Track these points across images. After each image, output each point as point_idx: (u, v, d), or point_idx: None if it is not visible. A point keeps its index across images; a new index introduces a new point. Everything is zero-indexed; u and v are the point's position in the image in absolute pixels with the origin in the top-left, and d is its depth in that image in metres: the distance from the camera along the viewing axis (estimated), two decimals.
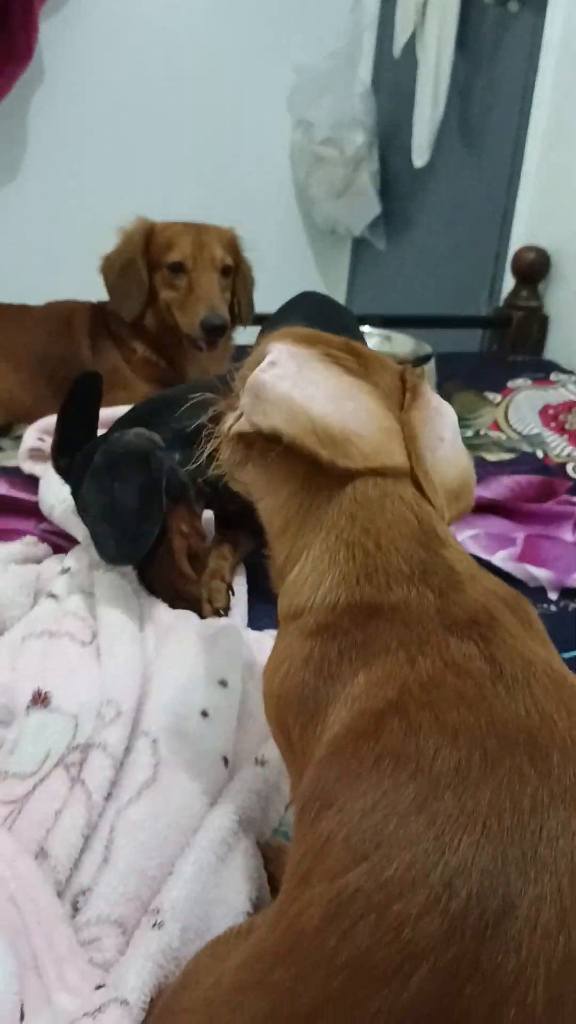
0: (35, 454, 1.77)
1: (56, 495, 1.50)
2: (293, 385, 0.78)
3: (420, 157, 2.95)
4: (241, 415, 0.80)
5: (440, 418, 0.85)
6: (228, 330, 1.94)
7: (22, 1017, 0.70)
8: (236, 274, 1.97)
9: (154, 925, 0.81)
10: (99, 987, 0.77)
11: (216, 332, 1.89)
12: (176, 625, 1.21)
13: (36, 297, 2.13)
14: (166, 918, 0.82)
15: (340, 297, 3.50)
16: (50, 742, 1.00)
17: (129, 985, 0.76)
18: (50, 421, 1.77)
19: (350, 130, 3.20)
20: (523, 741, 0.62)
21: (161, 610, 1.26)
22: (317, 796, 0.65)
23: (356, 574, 0.76)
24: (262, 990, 0.58)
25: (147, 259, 1.93)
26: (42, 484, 1.61)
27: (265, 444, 0.79)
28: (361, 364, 0.83)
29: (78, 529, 1.41)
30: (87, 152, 3.03)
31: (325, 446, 0.77)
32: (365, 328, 2.56)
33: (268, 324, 1.40)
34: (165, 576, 1.29)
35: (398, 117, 3.09)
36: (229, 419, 0.82)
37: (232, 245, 1.95)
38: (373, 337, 2.58)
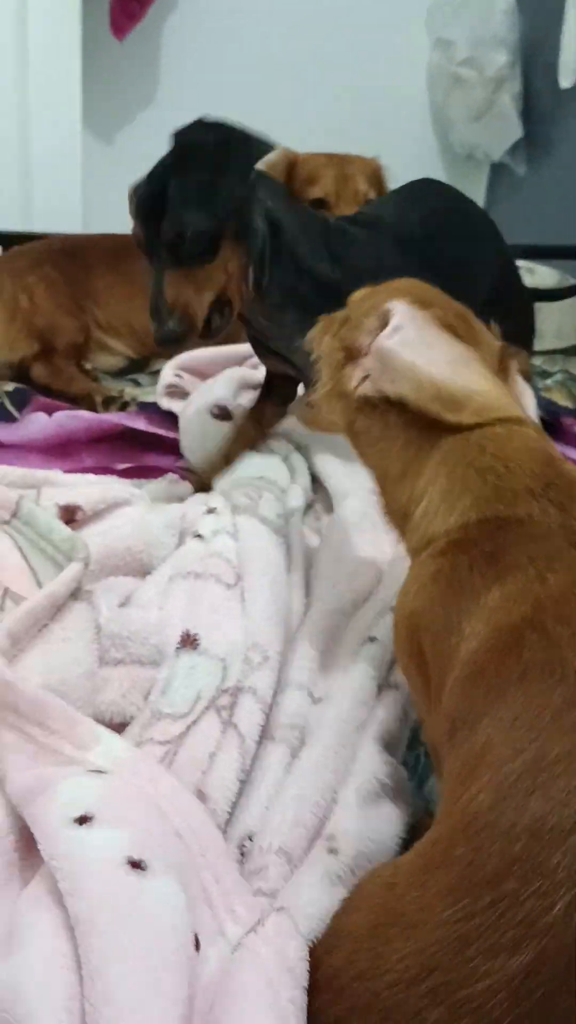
0: (173, 391, 1.77)
1: (195, 440, 1.51)
2: (416, 352, 0.85)
3: (567, 77, 2.80)
4: (365, 378, 0.88)
5: (526, 398, 0.93)
6: None
7: (197, 948, 0.71)
8: None
9: (329, 851, 0.84)
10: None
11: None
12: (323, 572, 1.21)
13: None
14: (340, 845, 0.84)
15: None
16: (200, 684, 1.01)
17: (303, 899, 0.78)
18: (188, 357, 1.77)
19: (491, 49, 3.06)
20: None
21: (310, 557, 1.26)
22: (468, 711, 0.72)
23: (487, 494, 0.83)
24: (445, 866, 0.64)
25: (289, 192, 1.88)
26: (182, 423, 1.62)
27: (387, 404, 0.87)
28: (469, 332, 0.90)
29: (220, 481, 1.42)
30: (223, 78, 2.98)
31: (449, 409, 0.84)
32: None
33: (381, 229, 1.35)
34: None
35: (543, 35, 2.93)
36: (353, 378, 0.89)
37: (376, 177, 1.89)
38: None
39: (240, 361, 1.79)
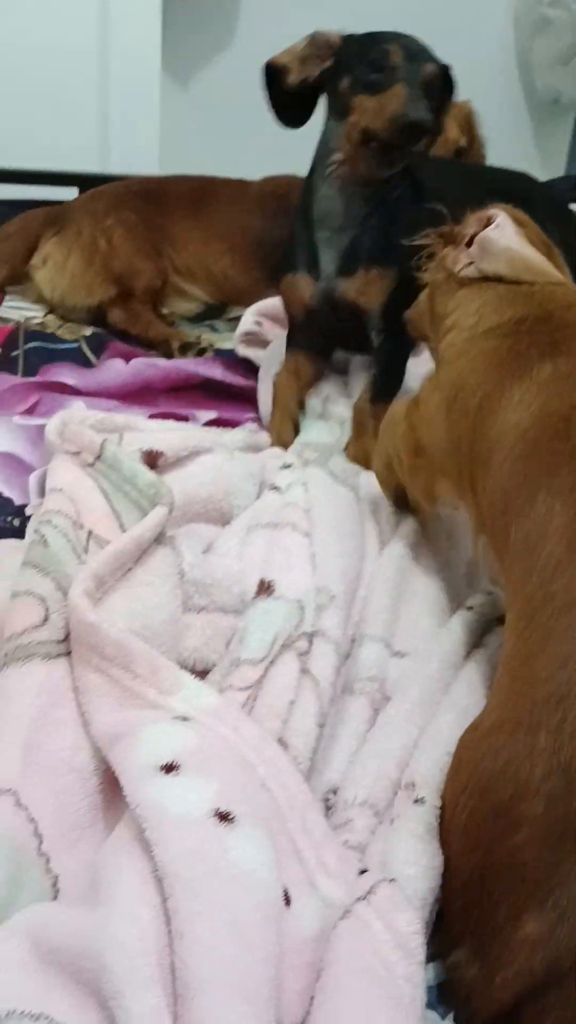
0: (250, 338, 1.74)
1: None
2: (512, 240, 1.06)
3: None
4: (469, 264, 1.08)
5: None
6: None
7: (288, 903, 0.70)
8: (468, 153, 1.85)
9: (415, 801, 0.82)
10: (363, 872, 0.77)
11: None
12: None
13: (253, 173, 2.08)
14: (425, 793, 0.82)
15: (558, 173, 3.28)
16: (276, 627, 0.99)
17: (400, 858, 0.77)
18: (268, 303, 1.74)
19: None
20: None
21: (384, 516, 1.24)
22: (522, 485, 0.87)
23: (545, 306, 1.01)
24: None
25: None
26: (261, 373, 1.59)
27: (481, 280, 1.08)
28: (549, 254, 1.10)
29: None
30: (301, 22, 2.90)
31: (537, 277, 1.05)
32: None
33: None
34: None
35: None
36: (459, 263, 1.09)
37: (467, 122, 1.83)
38: None
39: None
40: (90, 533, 1.02)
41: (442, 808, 0.79)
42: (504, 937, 0.68)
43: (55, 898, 0.77)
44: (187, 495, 1.15)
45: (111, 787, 0.83)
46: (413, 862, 0.77)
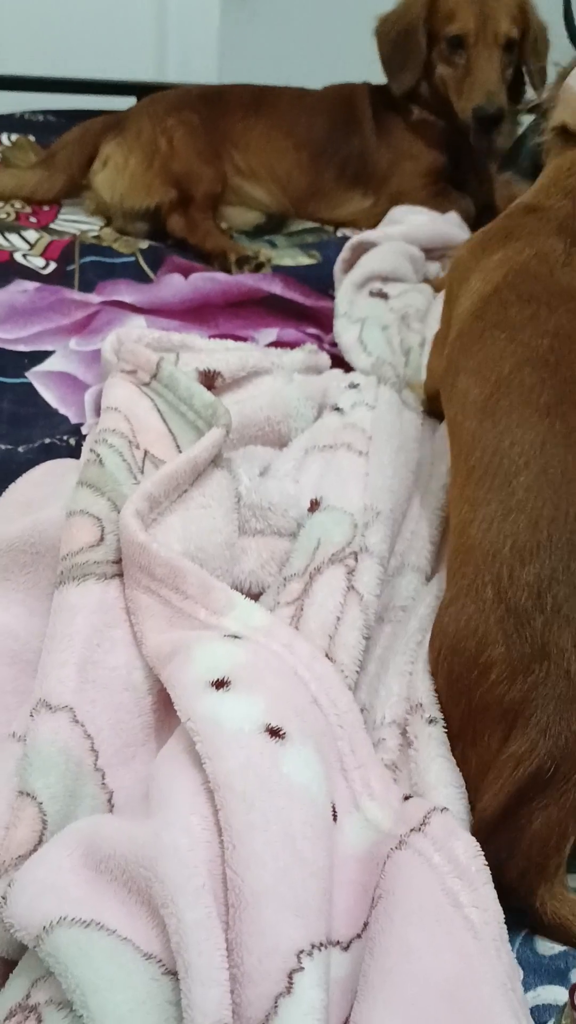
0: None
1: (352, 306, 1.47)
2: None
3: None
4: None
5: None
6: (505, 119, 1.78)
7: (335, 818, 0.71)
8: (523, 43, 1.78)
9: (428, 721, 0.84)
10: (407, 798, 0.78)
11: (489, 123, 1.75)
12: None
13: (312, 83, 2.03)
14: (433, 712, 0.85)
15: None
16: (318, 533, 1.00)
17: (432, 778, 0.80)
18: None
19: None
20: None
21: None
22: (451, 365, 1.01)
23: (548, 187, 1.10)
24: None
25: (428, 28, 1.78)
26: (340, 295, 1.55)
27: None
28: None
29: (360, 358, 1.37)
30: None
31: None
32: None
33: None
34: None
35: None
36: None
37: (522, 11, 1.76)
38: None
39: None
40: (146, 453, 1.02)
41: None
42: (492, 760, 0.78)
43: (110, 812, 0.78)
44: (244, 417, 1.14)
45: (165, 706, 0.84)
46: (446, 782, 0.79)
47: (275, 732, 0.72)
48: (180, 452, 1.03)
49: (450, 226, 1.77)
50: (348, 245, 1.66)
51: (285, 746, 0.72)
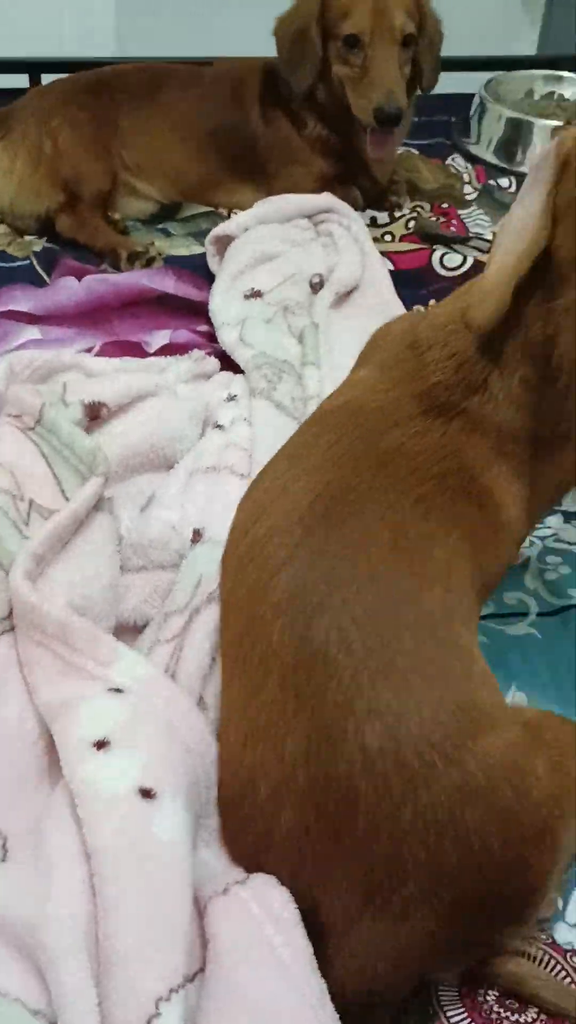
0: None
1: (229, 313, 1.50)
2: None
3: None
4: None
5: None
6: (405, 116, 1.77)
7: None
8: (420, 38, 1.76)
9: None
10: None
11: (391, 121, 1.72)
12: None
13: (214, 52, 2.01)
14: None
15: (534, 33, 3.14)
16: (200, 570, 1.05)
17: None
18: None
19: None
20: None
21: None
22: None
23: (446, 338, 1.00)
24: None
25: (322, 27, 1.75)
26: (216, 289, 1.59)
27: None
28: None
29: (241, 353, 1.41)
30: None
31: None
32: (562, 73, 2.33)
33: None
34: None
35: None
36: None
37: (417, 4, 1.74)
38: (571, 85, 2.34)
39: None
40: (31, 503, 1.08)
41: None
42: None
43: (4, 858, 0.87)
44: (129, 448, 1.20)
45: (55, 751, 0.92)
46: None
47: (147, 793, 0.81)
48: (65, 496, 1.09)
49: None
50: (208, 240, 1.71)
51: (156, 805, 0.80)
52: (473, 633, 0.90)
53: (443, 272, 1.71)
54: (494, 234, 1.77)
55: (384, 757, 0.76)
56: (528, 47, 3.21)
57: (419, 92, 1.85)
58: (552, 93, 2.32)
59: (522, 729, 0.83)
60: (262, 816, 0.81)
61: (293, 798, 0.79)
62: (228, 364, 1.48)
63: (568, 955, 0.86)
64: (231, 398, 1.33)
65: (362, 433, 0.95)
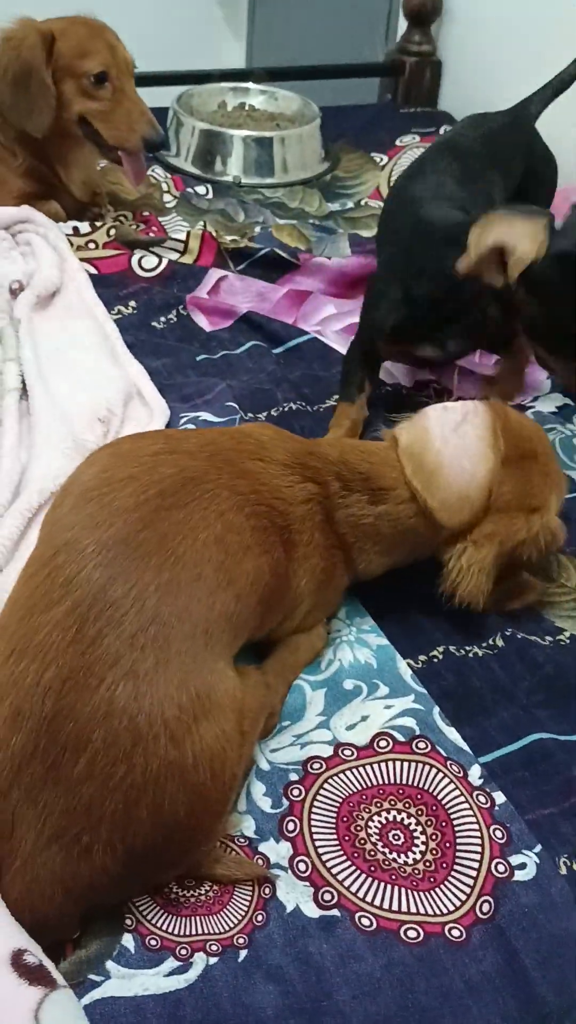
0: None
1: None
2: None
3: None
4: None
5: None
6: None
7: None
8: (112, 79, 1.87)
9: None
10: None
11: (157, 147, 1.90)
12: None
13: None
14: None
15: (240, 47, 3.33)
16: None
17: None
18: None
19: None
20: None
21: None
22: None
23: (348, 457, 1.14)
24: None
25: (53, 69, 1.81)
26: None
27: None
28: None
29: None
30: None
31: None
32: (248, 85, 2.50)
33: None
34: None
35: None
36: None
37: (117, 39, 1.87)
38: (257, 96, 2.52)
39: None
40: None
41: None
42: None
43: None
44: None
45: None
46: None
47: None
48: None
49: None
50: None
51: None
52: (237, 640, 0.99)
53: (142, 273, 1.83)
54: (188, 234, 1.91)
55: (123, 716, 0.84)
56: (238, 60, 3.40)
57: None
58: (243, 104, 2.49)
59: (236, 719, 0.93)
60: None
61: (33, 722, 0.84)
62: None
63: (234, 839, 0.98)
64: None
65: (239, 449, 1.06)
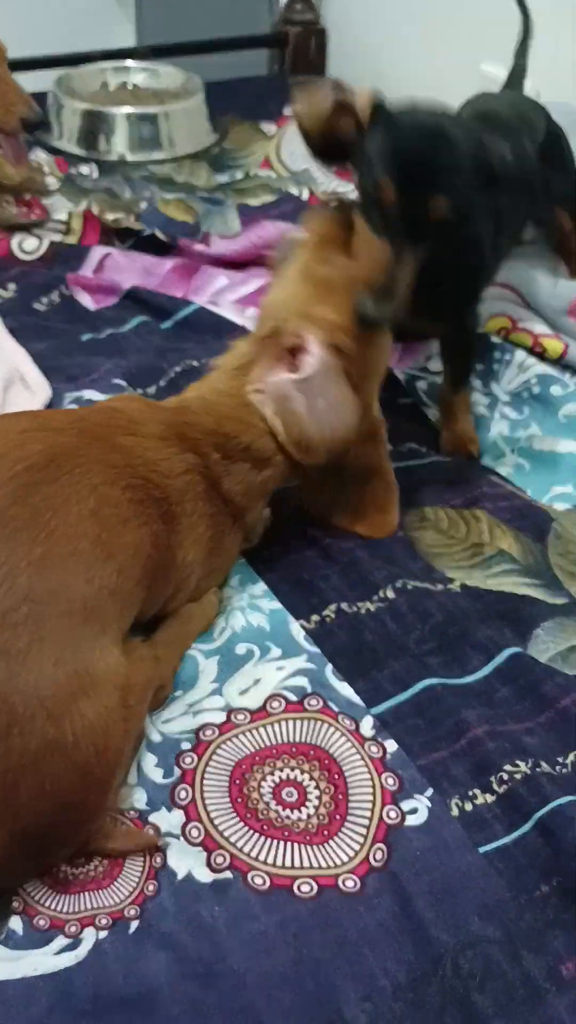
0: None
1: None
2: None
3: None
4: None
5: None
6: None
7: None
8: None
9: None
10: None
11: (36, 128, 1.86)
12: None
13: None
14: None
15: (130, 29, 3.29)
16: None
17: None
18: None
19: None
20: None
21: None
22: None
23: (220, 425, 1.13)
24: None
25: None
26: None
27: None
28: None
29: None
30: None
31: None
32: (129, 63, 2.46)
33: None
34: None
35: None
36: None
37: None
38: (139, 74, 2.49)
39: None
40: None
41: None
42: None
43: None
44: None
45: None
46: None
47: None
48: None
49: None
50: None
51: None
52: (125, 615, 0.96)
53: (22, 256, 1.80)
54: (70, 214, 1.88)
55: None
56: (128, 41, 3.35)
57: None
58: (124, 83, 2.46)
59: (120, 694, 0.90)
60: None
61: None
62: None
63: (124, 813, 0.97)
64: None
65: (110, 424, 1.04)
